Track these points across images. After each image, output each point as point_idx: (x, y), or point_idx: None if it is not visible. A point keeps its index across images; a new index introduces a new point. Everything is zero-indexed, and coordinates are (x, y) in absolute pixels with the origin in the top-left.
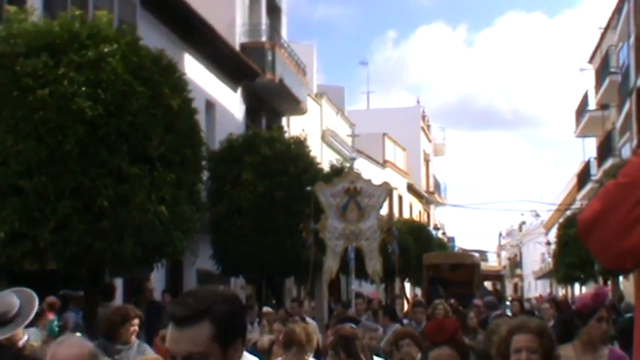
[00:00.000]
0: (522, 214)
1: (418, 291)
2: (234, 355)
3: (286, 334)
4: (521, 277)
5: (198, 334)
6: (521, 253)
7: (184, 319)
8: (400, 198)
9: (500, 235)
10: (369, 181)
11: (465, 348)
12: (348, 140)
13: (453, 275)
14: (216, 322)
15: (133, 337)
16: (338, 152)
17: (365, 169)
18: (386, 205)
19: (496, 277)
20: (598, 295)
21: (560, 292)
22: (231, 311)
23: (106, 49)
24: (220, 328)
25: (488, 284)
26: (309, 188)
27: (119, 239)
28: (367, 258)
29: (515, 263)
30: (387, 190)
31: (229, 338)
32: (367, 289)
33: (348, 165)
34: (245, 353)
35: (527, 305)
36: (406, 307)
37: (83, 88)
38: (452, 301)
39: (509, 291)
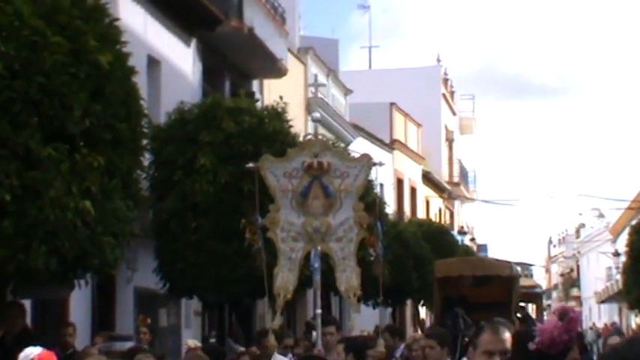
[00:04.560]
0: (580, 214)
1: None
2: None
3: None
4: (578, 299)
5: None
6: (578, 267)
7: None
8: (413, 191)
9: (550, 242)
10: (343, 152)
11: None
12: (341, 107)
13: (479, 293)
14: None
15: None
16: (328, 128)
17: (365, 151)
18: (393, 199)
19: (529, 296)
20: (572, 322)
21: (634, 320)
22: None
23: None
24: None
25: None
26: (250, 165)
27: (26, 246)
28: (339, 268)
29: (571, 281)
30: (367, 165)
31: None
32: (368, 314)
33: (341, 145)
34: None
35: (591, 335)
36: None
37: None
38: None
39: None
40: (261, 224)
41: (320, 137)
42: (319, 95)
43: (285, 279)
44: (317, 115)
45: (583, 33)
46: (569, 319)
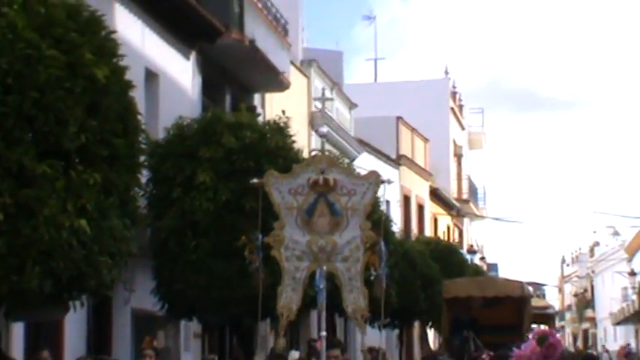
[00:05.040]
0: (595, 232)
1: None
2: None
3: None
4: (593, 320)
5: None
6: (593, 288)
7: None
8: (420, 208)
9: (564, 261)
10: (350, 169)
11: None
12: (346, 122)
13: (490, 314)
14: None
15: None
16: (332, 143)
17: (371, 167)
18: (399, 216)
19: (541, 317)
20: (551, 347)
21: None
22: None
23: None
24: None
25: None
26: (255, 181)
27: (20, 267)
28: (345, 289)
29: (585, 301)
30: (375, 183)
31: None
32: (374, 336)
33: (345, 161)
34: None
35: (605, 359)
36: None
37: None
38: (484, 356)
39: (569, 339)
40: (260, 243)
41: (327, 152)
42: (325, 110)
43: (288, 299)
44: (324, 130)
45: (595, 45)
46: (548, 344)
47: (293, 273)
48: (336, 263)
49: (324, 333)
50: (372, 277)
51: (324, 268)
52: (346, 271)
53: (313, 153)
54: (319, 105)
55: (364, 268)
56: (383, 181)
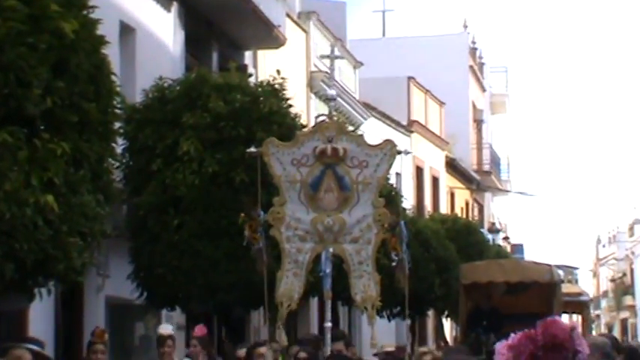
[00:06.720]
0: (635, 208)
1: None
2: None
3: None
4: (632, 309)
5: None
6: (632, 271)
7: None
8: (435, 181)
9: (599, 241)
10: (360, 137)
11: None
12: (350, 83)
13: (514, 302)
14: None
15: None
16: (335, 107)
17: (379, 134)
18: (411, 190)
19: (574, 305)
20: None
21: None
22: None
23: None
24: None
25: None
26: (252, 150)
27: None
28: (354, 274)
29: (624, 287)
30: (389, 153)
31: None
32: (383, 327)
33: (349, 128)
34: None
35: None
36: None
37: None
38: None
39: (602, 330)
40: (263, 220)
41: (335, 116)
42: (323, 69)
43: (289, 285)
44: (332, 92)
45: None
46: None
47: (295, 255)
48: (345, 245)
49: (329, 324)
50: (394, 264)
51: (331, 250)
52: (356, 254)
53: (320, 119)
54: (320, 64)
55: (379, 251)
56: (399, 152)
